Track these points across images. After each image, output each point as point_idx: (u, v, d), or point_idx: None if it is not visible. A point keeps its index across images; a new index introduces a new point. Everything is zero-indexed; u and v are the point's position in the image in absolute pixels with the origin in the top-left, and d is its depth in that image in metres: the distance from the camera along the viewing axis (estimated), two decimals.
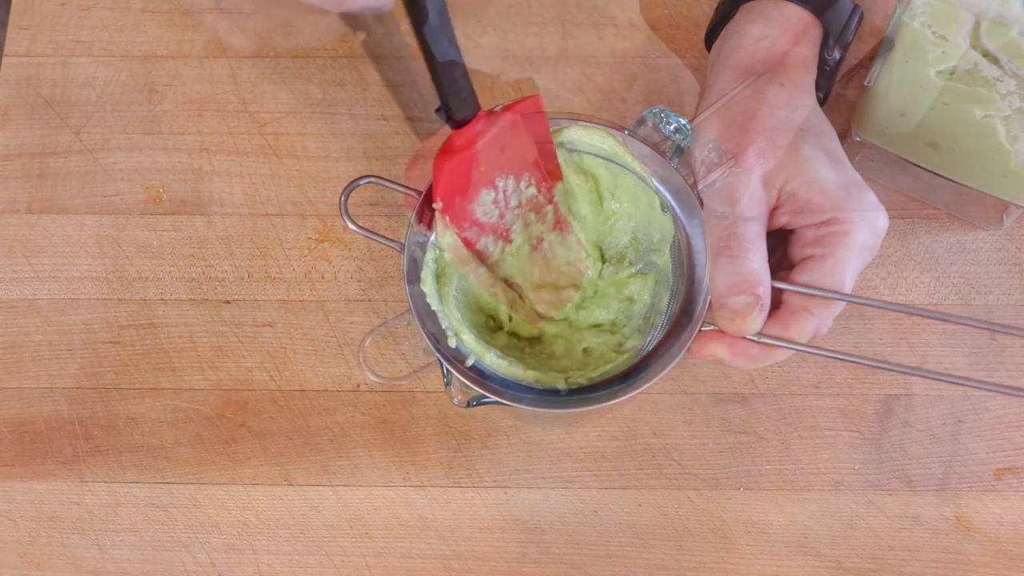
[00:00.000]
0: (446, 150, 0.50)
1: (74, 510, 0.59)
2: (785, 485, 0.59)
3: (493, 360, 0.51)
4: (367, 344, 0.51)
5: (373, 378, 0.51)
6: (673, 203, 0.53)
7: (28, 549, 0.59)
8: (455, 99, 0.48)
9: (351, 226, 0.52)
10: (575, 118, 0.55)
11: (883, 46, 0.53)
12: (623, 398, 0.50)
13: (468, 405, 0.52)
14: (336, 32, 0.68)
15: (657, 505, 0.59)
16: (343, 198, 0.52)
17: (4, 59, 0.68)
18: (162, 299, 0.63)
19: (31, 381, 0.62)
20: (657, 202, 0.54)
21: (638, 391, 0.50)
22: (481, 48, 0.64)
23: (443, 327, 0.51)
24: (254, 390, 0.61)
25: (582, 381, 0.50)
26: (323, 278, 0.63)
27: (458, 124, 0.49)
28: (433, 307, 0.51)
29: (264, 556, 0.58)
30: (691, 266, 0.52)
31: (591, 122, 0.54)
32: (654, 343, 0.52)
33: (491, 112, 0.51)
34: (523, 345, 0.56)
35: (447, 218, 0.51)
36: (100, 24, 0.68)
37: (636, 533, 0.59)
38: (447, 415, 0.60)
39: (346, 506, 0.59)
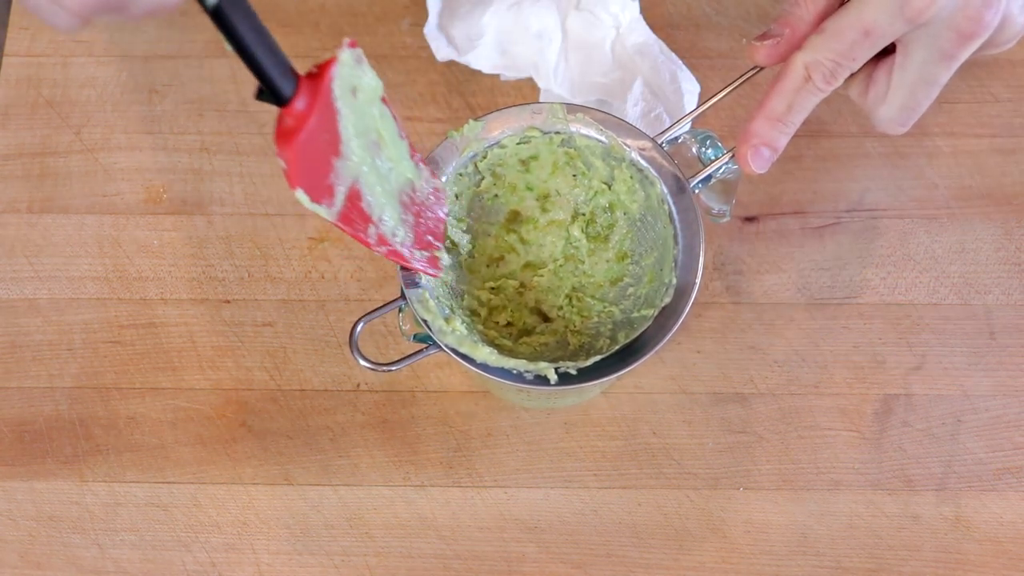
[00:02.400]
0: (285, 133, 0.44)
1: (74, 510, 0.59)
2: (785, 485, 0.59)
3: (483, 351, 0.50)
4: (358, 330, 0.51)
5: (363, 364, 0.51)
6: (669, 198, 0.53)
7: (28, 548, 0.59)
8: (278, 73, 0.43)
9: (362, 363, 0.51)
10: (575, 109, 0.55)
11: None
12: (592, 383, 0.50)
13: (412, 339, 0.52)
14: (336, 31, 0.68)
15: (657, 505, 0.59)
16: (354, 335, 0.52)
17: (4, 59, 0.68)
18: (162, 299, 0.63)
19: (31, 381, 0.62)
20: (655, 195, 0.54)
21: (613, 377, 0.50)
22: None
23: (435, 314, 0.51)
24: (254, 390, 0.61)
25: (572, 372, 0.50)
26: (323, 278, 0.63)
27: (286, 101, 0.44)
28: (425, 292, 0.51)
29: (264, 556, 0.58)
30: (683, 261, 0.52)
31: (590, 114, 0.54)
32: (641, 334, 0.52)
33: (309, 75, 0.45)
34: (515, 336, 0.56)
35: (324, 205, 0.46)
36: (100, 24, 0.68)
37: (636, 533, 0.59)
38: (447, 415, 0.61)
39: (346, 506, 0.59)
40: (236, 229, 0.64)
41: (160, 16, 0.45)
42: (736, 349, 0.61)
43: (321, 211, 0.46)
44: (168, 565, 0.58)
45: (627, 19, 0.64)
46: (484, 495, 0.59)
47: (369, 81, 0.47)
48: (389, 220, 0.49)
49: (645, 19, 0.64)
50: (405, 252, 0.50)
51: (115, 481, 0.60)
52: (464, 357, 0.50)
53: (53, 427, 0.61)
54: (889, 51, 0.52)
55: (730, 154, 0.54)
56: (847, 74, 0.51)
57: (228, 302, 0.63)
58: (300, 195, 0.44)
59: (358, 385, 0.61)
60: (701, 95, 0.64)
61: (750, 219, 0.64)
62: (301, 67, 0.67)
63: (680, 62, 0.64)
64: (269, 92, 0.43)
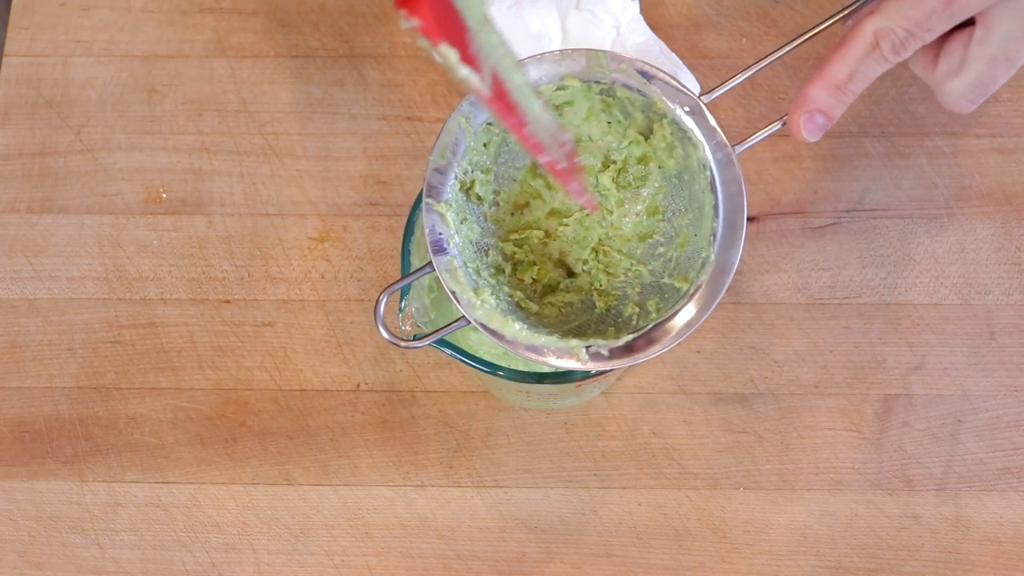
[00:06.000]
0: None
1: (74, 510, 0.59)
2: (785, 485, 0.59)
3: (513, 327, 0.48)
4: (383, 304, 0.49)
5: (388, 337, 0.48)
6: (713, 166, 0.50)
7: (28, 548, 0.59)
8: None
9: (387, 337, 0.48)
10: (619, 59, 0.51)
11: None
12: (622, 365, 0.48)
13: (412, 339, 0.50)
14: (336, 31, 0.68)
15: (657, 505, 0.59)
16: (379, 308, 0.49)
17: (4, 59, 0.68)
18: (162, 299, 0.63)
19: (31, 381, 0.62)
20: (696, 158, 0.50)
21: (646, 358, 0.48)
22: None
23: (464, 285, 0.49)
24: (254, 390, 0.61)
25: (603, 352, 0.48)
26: (323, 278, 0.63)
27: None
28: (453, 260, 0.49)
29: (264, 556, 0.58)
30: (722, 236, 0.49)
31: (636, 65, 0.51)
32: (675, 312, 0.49)
33: None
34: (540, 293, 0.54)
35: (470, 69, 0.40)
36: (100, 24, 0.68)
37: (636, 533, 0.59)
38: (447, 415, 0.61)
39: (346, 506, 0.59)
40: (236, 229, 0.64)
41: None
42: (736, 349, 0.61)
43: (472, 79, 0.40)
44: (168, 565, 0.58)
45: (627, 19, 0.64)
46: (484, 495, 0.59)
47: None
48: (543, 132, 0.45)
49: (645, 19, 0.64)
50: (563, 171, 0.47)
51: (115, 481, 0.60)
52: (494, 333, 0.48)
53: (53, 427, 0.61)
54: (965, 23, 0.49)
55: (780, 121, 0.50)
56: (918, 46, 0.48)
57: (228, 302, 0.63)
58: (447, 50, 0.38)
59: (358, 385, 0.61)
60: (701, 95, 0.64)
61: (750, 219, 0.64)
62: (303, 66, 0.68)
63: (680, 62, 0.64)
64: None
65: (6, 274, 0.63)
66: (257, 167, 0.65)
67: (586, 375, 0.50)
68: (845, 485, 0.59)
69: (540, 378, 0.50)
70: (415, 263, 0.52)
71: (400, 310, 0.53)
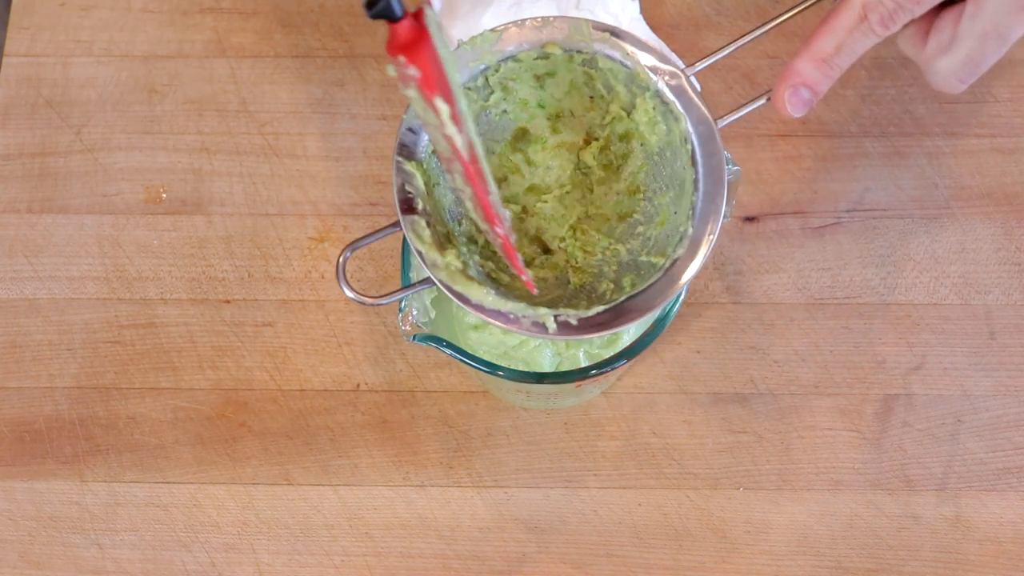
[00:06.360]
0: (409, 42, 0.40)
1: (74, 510, 0.59)
2: (785, 485, 0.59)
3: (479, 292, 0.47)
4: (343, 259, 0.48)
5: (351, 295, 0.47)
6: (694, 139, 0.49)
7: (28, 548, 0.59)
8: None
9: (349, 294, 0.47)
10: (603, 28, 0.50)
11: None
12: (592, 336, 0.47)
13: (412, 339, 0.50)
14: (336, 31, 0.68)
15: (657, 505, 0.59)
16: (340, 264, 0.48)
17: (4, 59, 0.68)
18: (162, 299, 0.63)
19: (31, 381, 0.62)
20: (678, 132, 0.49)
21: (618, 329, 0.47)
22: None
23: (430, 244, 0.47)
24: (254, 390, 0.61)
25: (572, 321, 0.47)
26: (323, 278, 0.63)
27: (398, 18, 0.41)
28: (421, 220, 0.47)
29: (264, 556, 0.58)
30: (701, 210, 0.48)
31: (620, 35, 0.50)
32: (650, 286, 0.48)
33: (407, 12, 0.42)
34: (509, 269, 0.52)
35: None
36: (100, 24, 0.68)
37: (636, 533, 0.59)
38: (447, 415, 0.61)
39: (346, 506, 0.59)
40: (236, 229, 0.64)
41: None
42: (736, 349, 0.61)
43: (458, 139, 0.41)
44: (168, 565, 0.58)
45: (627, 19, 0.64)
46: (484, 495, 0.59)
47: (449, 55, 0.42)
48: (502, 211, 0.46)
49: (645, 19, 0.64)
50: (512, 246, 0.47)
51: (115, 481, 0.60)
52: (459, 296, 0.47)
53: (53, 427, 0.61)
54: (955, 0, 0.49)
55: (765, 97, 0.50)
56: (907, 19, 0.47)
57: (228, 302, 0.63)
58: (441, 104, 0.40)
59: (358, 385, 0.61)
60: (702, 95, 0.64)
61: (750, 219, 0.64)
62: (303, 66, 0.68)
63: (680, 62, 0.63)
64: (385, 6, 0.41)
65: (6, 274, 0.63)
66: (257, 167, 0.65)
67: (586, 375, 0.50)
68: (845, 485, 0.59)
69: (540, 378, 0.50)
70: (414, 262, 0.52)
71: (400, 310, 0.52)
